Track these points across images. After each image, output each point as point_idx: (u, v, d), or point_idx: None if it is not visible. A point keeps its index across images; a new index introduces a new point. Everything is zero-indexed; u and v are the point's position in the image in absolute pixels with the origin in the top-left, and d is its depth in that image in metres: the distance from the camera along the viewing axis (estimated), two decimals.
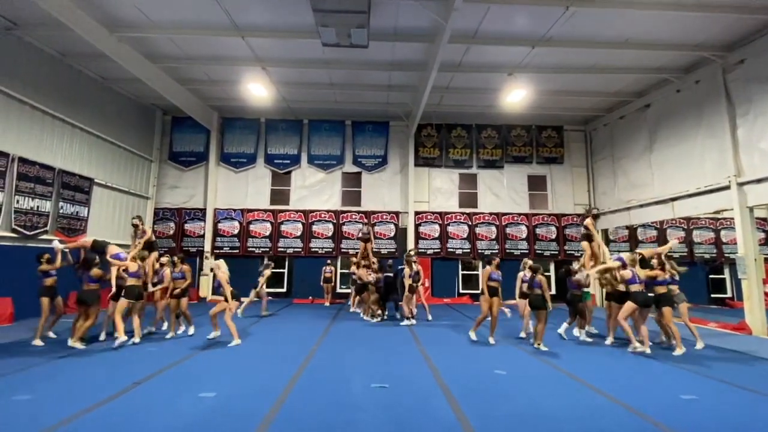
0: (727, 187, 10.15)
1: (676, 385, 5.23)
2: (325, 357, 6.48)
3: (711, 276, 16.30)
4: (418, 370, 5.74)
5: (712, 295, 16.20)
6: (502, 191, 16.30)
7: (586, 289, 8.38)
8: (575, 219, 16.14)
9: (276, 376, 5.31)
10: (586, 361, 6.45)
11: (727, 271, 16.23)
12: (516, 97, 12.69)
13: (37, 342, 7.09)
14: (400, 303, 10.31)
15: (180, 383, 4.97)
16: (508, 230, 15.93)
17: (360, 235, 12.59)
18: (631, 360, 6.65)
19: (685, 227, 16.25)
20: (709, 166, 10.76)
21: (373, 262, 11.04)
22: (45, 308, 7.39)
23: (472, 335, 7.91)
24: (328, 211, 15.76)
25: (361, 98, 14.21)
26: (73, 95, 11.70)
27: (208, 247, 15.27)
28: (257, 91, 12.70)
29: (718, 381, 5.46)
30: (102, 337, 7.65)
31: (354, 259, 12.32)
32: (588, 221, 8.98)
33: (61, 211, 11.02)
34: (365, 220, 14.64)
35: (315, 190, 16.07)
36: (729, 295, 16.14)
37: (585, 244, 8.93)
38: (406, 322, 9.65)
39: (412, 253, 10.40)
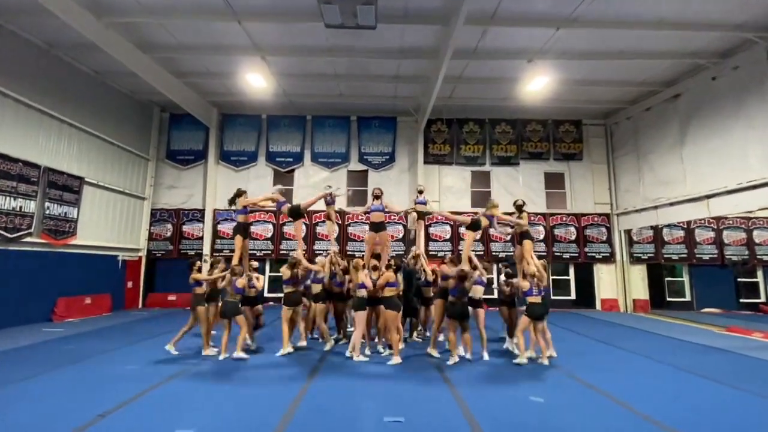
0: None
1: (751, 417, 4.29)
2: (327, 381, 5.61)
3: (741, 279, 15.20)
4: (438, 399, 4.84)
5: (742, 300, 15.15)
6: (518, 190, 15.31)
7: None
8: (596, 219, 15.14)
9: (270, 406, 4.46)
10: (632, 383, 5.51)
11: (760, 274, 15.14)
12: (537, 85, 11.76)
13: (207, 351, 6.83)
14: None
15: (153, 415, 4.14)
16: None
17: (370, 209, 8.29)
18: (691, 383, 5.70)
19: (714, 227, 15.17)
20: (753, 160, 9.73)
21: (392, 264, 7.11)
22: (202, 317, 6.86)
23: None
24: None
25: (367, 91, 13.36)
26: (63, 89, 10.99)
27: (207, 249, 14.49)
28: (256, 81, 11.90)
29: None
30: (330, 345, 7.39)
31: (360, 262, 7.38)
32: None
33: (47, 211, 10.28)
34: (379, 192, 8.55)
35: (319, 189, 15.18)
36: (763, 300, 15.05)
37: (528, 243, 7.40)
38: (453, 360, 6.51)
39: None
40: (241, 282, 6.68)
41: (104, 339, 8.22)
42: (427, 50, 10.50)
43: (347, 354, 6.72)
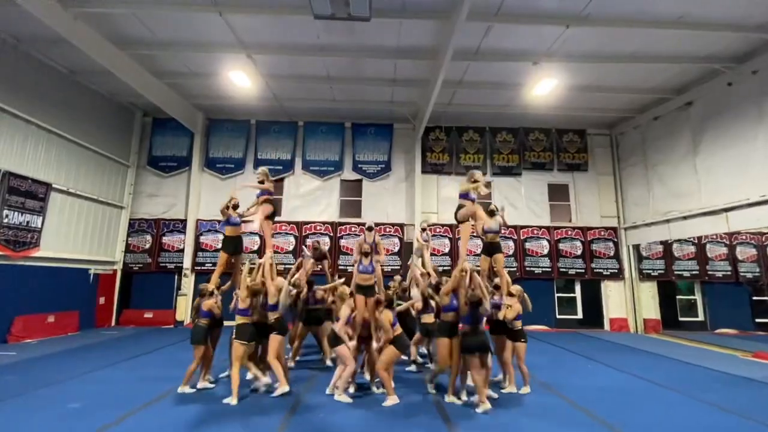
0: None
1: None
2: (310, 425, 4.64)
3: (757, 298, 14.38)
4: None
5: (758, 320, 14.30)
6: (520, 201, 14.53)
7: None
8: (603, 233, 14.33)
9: None
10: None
11: None
12: (545, 88, 11.07)
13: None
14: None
15: None
16: (527, 245, 14.10)
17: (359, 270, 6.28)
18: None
19: (727, 242, 14.41)
20: None
21: (390, 293, 6.48)
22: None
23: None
24: (324, 223, 14.00)
25: (362, 95, 12.61)
26: (31, 87, 10.13)
27: (188, 263, 13.47)
28: (240, 80, 11.07)
29: None
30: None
31: (347, 290, 6.56)
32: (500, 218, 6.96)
33: (5, 220, 9.30)
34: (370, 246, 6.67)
35: (310, 199, 14.34)
36: None
37: (500, 256, 6.78)
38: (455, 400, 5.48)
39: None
40: (207, 304, 5.70)
41: (57, 366, 7.18)
42: (425, 50, 9.78)
43: (327, 391, 5.70)
